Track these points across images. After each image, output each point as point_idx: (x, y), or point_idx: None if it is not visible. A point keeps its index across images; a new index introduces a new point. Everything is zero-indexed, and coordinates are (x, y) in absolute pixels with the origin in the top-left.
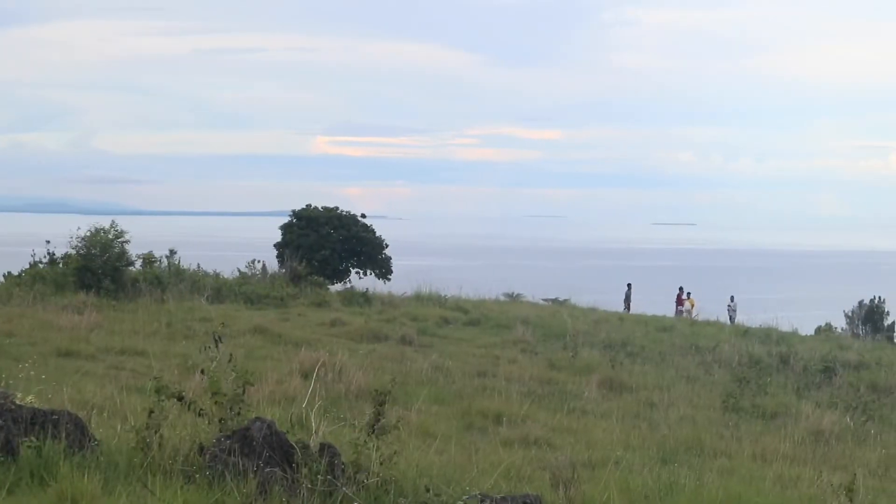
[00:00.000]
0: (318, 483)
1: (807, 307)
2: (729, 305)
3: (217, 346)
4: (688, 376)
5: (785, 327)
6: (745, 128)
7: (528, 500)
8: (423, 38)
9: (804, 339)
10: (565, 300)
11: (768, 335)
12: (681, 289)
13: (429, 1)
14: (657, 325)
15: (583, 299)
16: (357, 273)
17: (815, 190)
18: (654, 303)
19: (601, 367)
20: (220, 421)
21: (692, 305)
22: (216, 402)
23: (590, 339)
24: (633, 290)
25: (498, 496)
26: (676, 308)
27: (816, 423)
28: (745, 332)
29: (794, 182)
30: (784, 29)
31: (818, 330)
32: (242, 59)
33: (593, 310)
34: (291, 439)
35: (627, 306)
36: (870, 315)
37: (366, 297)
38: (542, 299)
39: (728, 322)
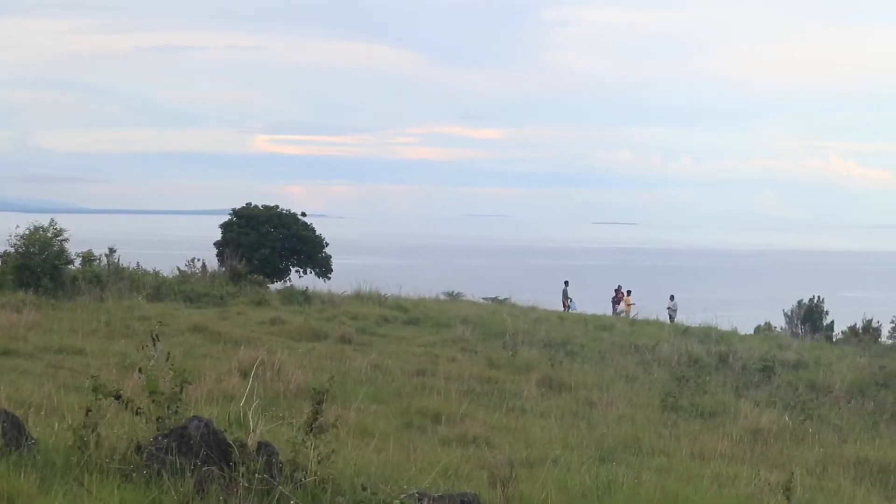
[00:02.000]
0: (256, 482)
1: (747, 307)
2: (669, 305)
3: (155, 345)
4: (627, 375)
5: (724, 326)
6: (686, 128)
7: (465, 499)
8: (366, 37)
9: (743, 338)
10: (505, 299)
11: (708, 334)
12: (618, 288)
13: (372, 0)
14: (597, 324)
15: (523, 298)
16: (297, 272)
17: (757, 190)
18: (595, 302)
19: (540, 365)
20: (157, 420)
21: (628, 305)
22: (154, 401)
23: (529, 337)
24: (569, 287)
25: (436, 495)
26: (614, 307)
27: (755, 421)
28: (685, 332)
29: (736, 182)
30: (725, 30)
31: (757, 329)
32: (185, 57)
33: (533, 308)
34: (229, 438)
35: (564, 304)
36: (809, 314)
37: (305, 296)
38: (482, 298)
39: (668, 321)
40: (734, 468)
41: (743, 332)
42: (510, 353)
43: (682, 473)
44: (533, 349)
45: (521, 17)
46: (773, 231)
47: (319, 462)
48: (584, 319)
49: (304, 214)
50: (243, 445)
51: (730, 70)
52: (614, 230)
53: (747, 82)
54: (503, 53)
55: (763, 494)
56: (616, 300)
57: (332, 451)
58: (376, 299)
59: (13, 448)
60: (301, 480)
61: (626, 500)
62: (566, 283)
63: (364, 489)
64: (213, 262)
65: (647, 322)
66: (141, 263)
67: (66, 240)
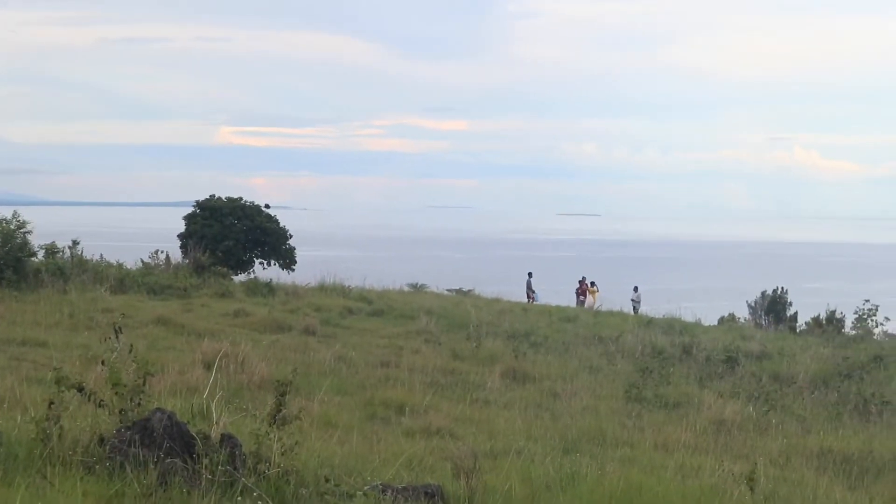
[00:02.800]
0: (219, 474)
1: (711, 298)
2: (633, 296)
3: (118, 337)
4: (591, 366)
5: (688, 318)
6: (652, 120)
7: (429, 491)
8: (332, 28)
9: (707, 329)
10: (469, 291)
11: (672, 325)
12: (582, 279)
13: None
14: (561, 316)
15: (487, 290)
16: (261, 264)
17: (722, 181)
18: (559, 293)
19: (504, 357)
20: (120, 412)
21: (594, 296)
22: (117, 393)
23: (493, 329)
24: (533, 278)
25: (399, 486)
26: (577, 298)
27: (718, 412)
28: (649, 323)
29: (701, 174)
30: (690, 22)
31: (721, 320)
32: (151, 49)
33: (497, 300)
34: (192, 430)
35: (528, 295)
36: (772, 305)
37: (269, 288)
38: (447, 290)
39: (631, 312)
40: (698, 459)
41: (707, 324)
42: (474, 344)
43: (646, 464)
44: (497, 341)
45: (487, 9)
46: (737, 222)
47: (283, 454)
48: (547, 311)
49: (267, 206)
50: (206, 437)
51: (694, 62)
52: (579, 221)
53: (712, 74)
54: (469, 45)
55: (727, 485)
56: (580, 291)
57: (296, 443)
58: (340, 291)
59: None
60: (264, 472)
61: (590, 492)
62: (530, 274)
63: (327, 481)
64: (176, 255)
65: (610, 313)
66: (104, 256)
67: (29, 232)
